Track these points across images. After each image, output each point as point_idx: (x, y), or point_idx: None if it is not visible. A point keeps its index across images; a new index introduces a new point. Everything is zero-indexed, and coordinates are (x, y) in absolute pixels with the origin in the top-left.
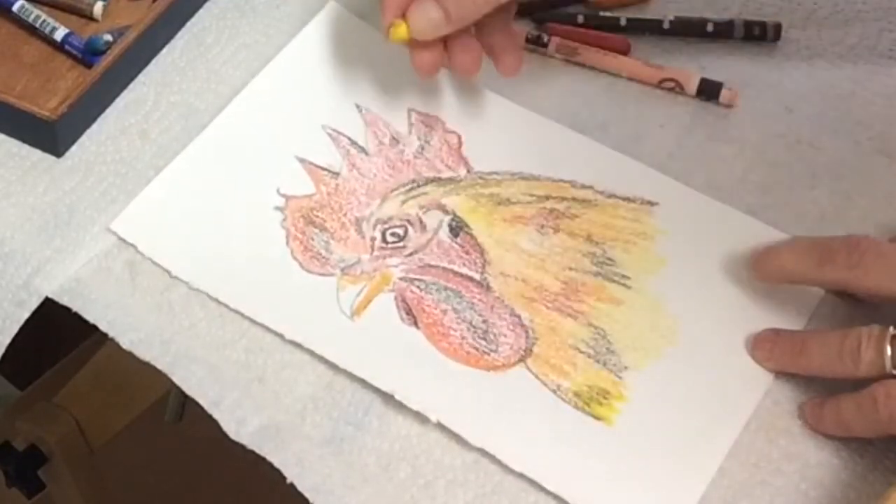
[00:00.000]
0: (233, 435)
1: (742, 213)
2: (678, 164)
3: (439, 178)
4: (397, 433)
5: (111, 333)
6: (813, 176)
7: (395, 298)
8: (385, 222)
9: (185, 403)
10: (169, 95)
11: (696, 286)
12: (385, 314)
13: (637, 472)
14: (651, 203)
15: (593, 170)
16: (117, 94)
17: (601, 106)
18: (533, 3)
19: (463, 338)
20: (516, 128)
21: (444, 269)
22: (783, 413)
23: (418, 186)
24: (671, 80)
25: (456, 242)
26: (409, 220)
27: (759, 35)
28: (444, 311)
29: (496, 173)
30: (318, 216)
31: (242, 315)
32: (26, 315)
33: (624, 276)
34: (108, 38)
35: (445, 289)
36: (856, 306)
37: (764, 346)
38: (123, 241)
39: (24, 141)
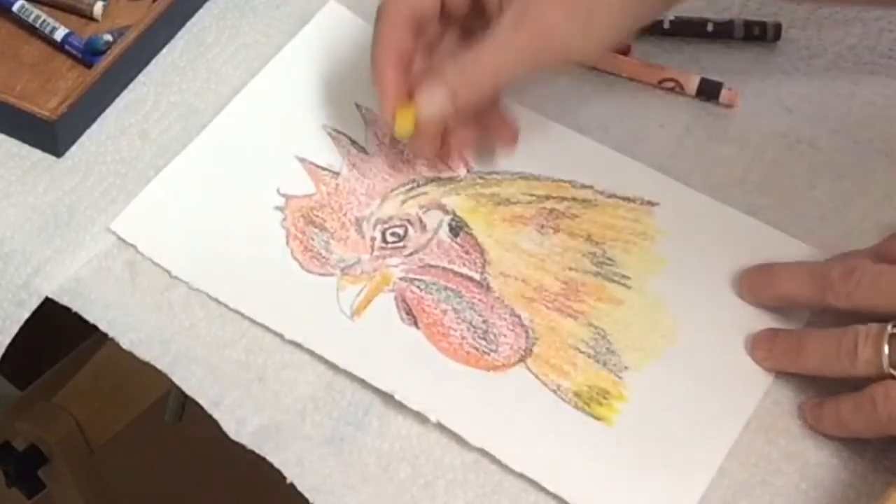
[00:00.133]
0: (233, 435)
1: (742, 213)
2: (678, 164)
3: (439, 178)
4: (397, 433)
5: (111, 333)
6: (813, 176)
7: (395, 298)
8: (385, 222)
9: (185, 403)
10: (169, 95)
11: (696, 286)
12: (385, 314)
13: (637, 472)
14: (651, 203)
15: (593, 170)
16: (117, 94)
17: (601, 106)
18: None
19: (463, 338)
20: None
21: (444, 269)
22: (783, 413)
23: (418, 186)
24: (671, 80)
25: (456, 242)
26: (409, 220)
27: (759, 35)
28: (444, 311)
29: (496, 173)
30: (318, 216)
31: (242, 315)
32: (26, 315)
33: (624, 276)
34: (108, 38)
35: (445, 289)
36: None
37: (762, 345)
38: (123, 241)
39: (24, 141)
